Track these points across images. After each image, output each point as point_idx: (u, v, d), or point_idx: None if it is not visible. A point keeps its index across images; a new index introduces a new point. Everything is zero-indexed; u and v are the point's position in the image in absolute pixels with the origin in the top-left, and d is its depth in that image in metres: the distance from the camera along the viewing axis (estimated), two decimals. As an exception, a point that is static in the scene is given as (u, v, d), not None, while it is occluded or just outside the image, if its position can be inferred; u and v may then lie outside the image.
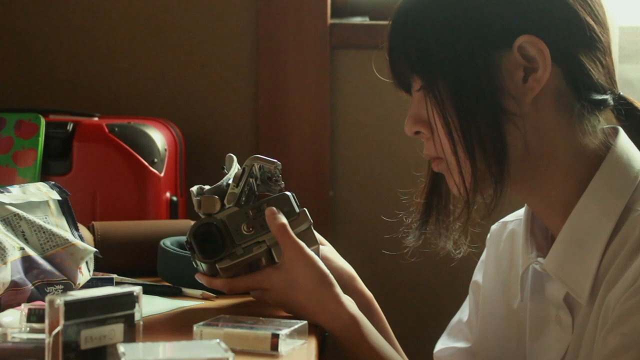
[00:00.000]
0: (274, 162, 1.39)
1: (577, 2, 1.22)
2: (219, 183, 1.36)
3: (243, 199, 1.36)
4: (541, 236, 1.33)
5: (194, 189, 1.36)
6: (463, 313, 1.49)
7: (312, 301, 1.30)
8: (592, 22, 1.23)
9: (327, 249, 1.48)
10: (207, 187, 1.37)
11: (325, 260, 1.39)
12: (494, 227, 1.45)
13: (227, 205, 1.35)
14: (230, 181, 1.37)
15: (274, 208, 1.35)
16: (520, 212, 1.38)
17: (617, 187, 1.23)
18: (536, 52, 1.21)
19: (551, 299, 1.29)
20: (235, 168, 1.39)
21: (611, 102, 1.26)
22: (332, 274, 1.33)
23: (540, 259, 1.29)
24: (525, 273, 1.33)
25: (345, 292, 1.34)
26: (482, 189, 1.24)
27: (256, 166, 1.37)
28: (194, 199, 1.36)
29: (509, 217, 1.43)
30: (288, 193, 1.38)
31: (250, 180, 1.36)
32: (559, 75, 1.23)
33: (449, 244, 1.32)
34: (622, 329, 1.14)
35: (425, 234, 1.34)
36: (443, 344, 1.49)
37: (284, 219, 1.34)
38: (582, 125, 1.24)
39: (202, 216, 1.36)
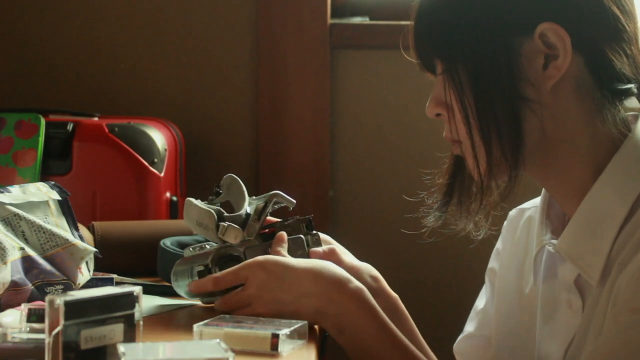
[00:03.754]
0: (293, 201, 1.41)
1: None
2: (239, 212, 1.37)
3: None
4: (557, 221, 1.33)
5: (214, 212, 1.36)
6: (480, 301, 1.50)
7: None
8: (617, 12, 1.22)
9: (344, 250, 1.48)
10: (224, 211, 1.38)
11: (339, 263, 1.39)
12: (511, 213, 1.45)
13: (247, 238, 1.37)
14: (247, 210, 1.38)
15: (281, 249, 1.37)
16: (538, 200, 1.38)
17: (634, 172, 1.23)
18: (557, 39, 1.21)
19: (563, 281, 1.29)
20: (246, 195, 1.40)
21: (635, 90, 1.25)
22: (351, 274, 1.34)
23: (553, 241, 1.29)
24: (539, 255, 1.33)
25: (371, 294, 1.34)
26: (496, 175, 1.25)
27: (273, 202, 1.40)
28: (219, 224, 1.35)
29: (526, 204, 1.43)
30: (302, 237, 1.40)
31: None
32: (580, 64, 1.23)
33: (469, 226, 1.31)
34: (632, 305, 1.14)
35: (446, 214, 1.33)
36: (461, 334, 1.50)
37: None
38: (602, 114, 1.24)
39: (217, 240, 1.36)
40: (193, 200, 1.39)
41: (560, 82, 1.23)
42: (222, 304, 1.34)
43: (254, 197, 1.42)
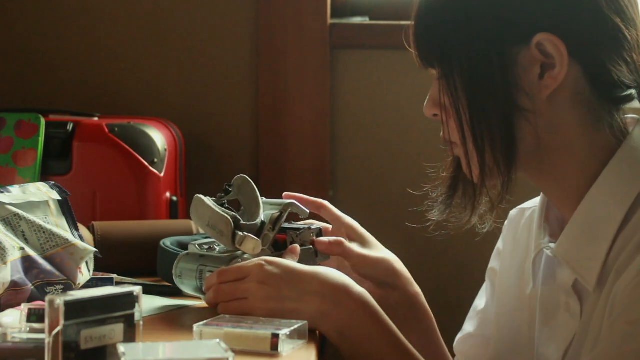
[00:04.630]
0: (307, 212, 1.42)
1: (603, 0, 1.21)
2: (255, 222, 1.37)
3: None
4: (556, 223, 1.33)
5: (231, 219, 1.35)
6: (479, 301, 1.50)
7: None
8: (617, 20, 1.21)
9: (372, 242, 1.49)
10: (240, 218, 1.37)
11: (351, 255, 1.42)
12: (512, 212, 1.45)
13: (262, 247, 1.37)
14: (262, 218, 1.38)
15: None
16: (538, 200, 1.38)
17: (631, 176, 1.23)
18: (554, 50, 1.20)
19: (561, 285, 1.29)
20: (260, 202, 1.40)
21: (635, 96, 1.25)
22: (372, 267, 1.39)
23: (551, 244, 1.29)
24: (537, 258, 1.33)
25: (387, 287, 1.36)
26: (489, 181, 1.25)
27: (289, 211, 1.40)
28: (235, 232, 1.35)
29: (527, 204, 1.43)
30: (312, 247, 1.41)
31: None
32: (578, 73, 1.23)
33: (474, 219, 1.31)
34: (629, 317, 1.14)
35: (451, 207, 1.33)
36: (460, 332, 1.51)
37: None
38: (599, 122, 1.24)
39: (230, 246, 1.36)
40: (205, 199, 1.38)
41: (557, 91, 1.22)
42: (214, 293, 1.32)
43: (264, 198, 1.42)
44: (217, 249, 1.41)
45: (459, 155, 1.28)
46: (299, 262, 1.35)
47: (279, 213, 1.39)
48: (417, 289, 1.49)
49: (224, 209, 1.38)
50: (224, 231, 1.35)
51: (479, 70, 1.22)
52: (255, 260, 1.31)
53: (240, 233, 1.34)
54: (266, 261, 1.30)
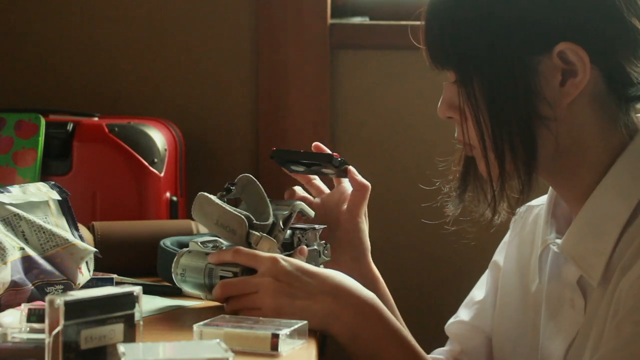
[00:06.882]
0: (312, 213, 1.43)
1: (623, 4, 1.21)
2: (268, 222, 1.37)
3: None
4: (563, 220, 1.33)
5: (244, 216, 1.35)
6: (478, 291, 1.50)
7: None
8: (637, 23, 1.22)
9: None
10: (250, 217, 1.37)
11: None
12: (520, 209, 1.45)
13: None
14: (271, 218, 1.38)
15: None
16: (546, 197, 1.38)
17: (638, 173, 1.23)
18: (576, 59, 1.21)
19: (566, 281, 1.29)
20: (268, 202, 1.40)
21: None
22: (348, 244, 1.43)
23: (558, 240, 1.30)
24: (544, 254, 1.34)
25: (355, 264, 1.41)
26: (507, 185, 1.25)
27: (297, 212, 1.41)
28: (250, 232, 1.35)
29: (535, 202, 1.43)
30: (317, 248, 1.42)
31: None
32: (597, 78, 1.23)
33: (488, 212, 1.30)
34: (635, 317, 1.15)
35: (464, 201, 1.33)
36: (454, 317, 1.51)
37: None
38: (616, 122, 1.25)
39: (244, 245, 1.36)
40: (212, 197, 1.38)
41: (577, 97, 1.22)
42: (224, 285, 1.32)
43: (269, 199, 1.42)
44: (223, 247, 1.41)
45: (476, 157, 1.27)
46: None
47: (288, 213, 1.39)
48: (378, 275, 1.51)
49: (236, 208, 1.38)
50: (237, 230, 1.35)
51: (501, 80, 1.22)
52: (272, 254, 1.31)
53: (257, 233, 1.34)
54: (281, 258, 1.31)
